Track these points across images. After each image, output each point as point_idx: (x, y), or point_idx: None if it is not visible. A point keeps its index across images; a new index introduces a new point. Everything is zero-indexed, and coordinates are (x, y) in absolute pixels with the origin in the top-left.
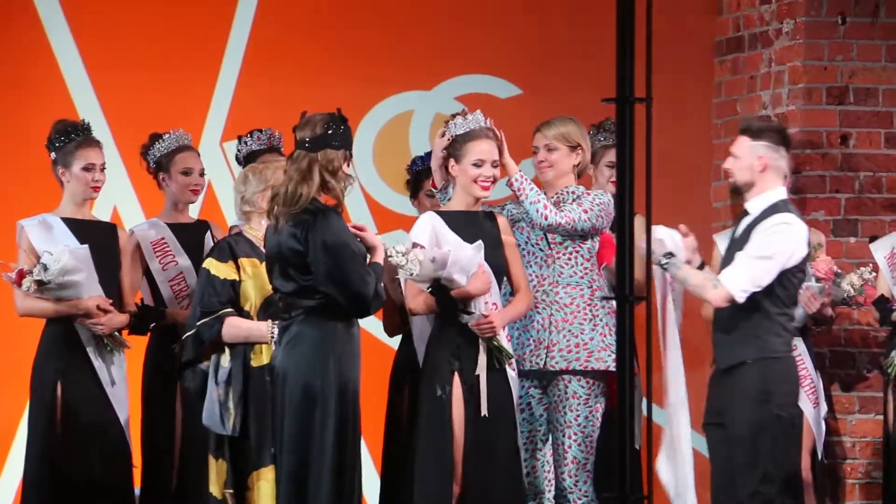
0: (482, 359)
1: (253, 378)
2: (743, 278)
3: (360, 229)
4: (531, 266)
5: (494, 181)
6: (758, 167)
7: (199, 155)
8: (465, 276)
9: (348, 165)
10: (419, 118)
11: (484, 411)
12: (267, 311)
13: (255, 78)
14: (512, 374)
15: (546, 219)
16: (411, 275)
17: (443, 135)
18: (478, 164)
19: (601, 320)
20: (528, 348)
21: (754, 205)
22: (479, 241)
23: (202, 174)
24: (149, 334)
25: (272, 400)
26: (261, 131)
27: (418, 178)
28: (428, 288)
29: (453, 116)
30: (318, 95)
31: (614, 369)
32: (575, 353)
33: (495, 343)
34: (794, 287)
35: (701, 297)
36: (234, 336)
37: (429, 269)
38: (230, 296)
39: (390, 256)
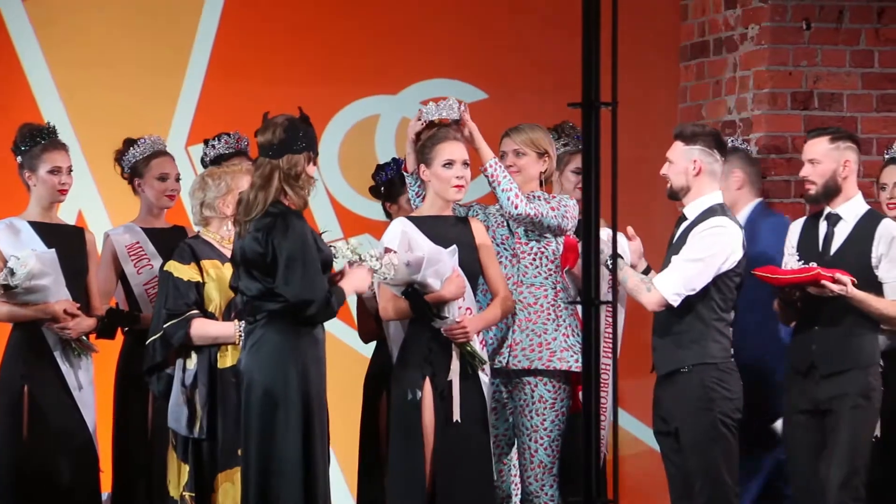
0: (455, 364)
1: (220, 379)
2: (676, 282)
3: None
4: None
5: (466, 182)
6: (692, 171)
7: (174, 160)
8: (439, 280)
9: (314, 165)
10: (385, 122)
11: (456, 417)
12: (230, 312)
13: (222, 80)
14: (485, 379)
15: (516, 207)
16: (385, 279)
17: (418, 118)
18: (448, 165)
19: (564, 321)
20: (491, 346)
21: (691, 209)
22: (454, 246)
23: (178, 179)
24: (122, 339)
25: (237, 402)
26: (228, 135)
27: (392, 184)
28: (401, 292)
29: (426, 102)
30: (285, 98)
31: (576, 370)
32: (538, 352)
33: (468, 349)
34: (731, 291)
35: (637, 300)
36: (203, 338)
37: (403, 274)
38: (195, 298)
39: (364, 261)
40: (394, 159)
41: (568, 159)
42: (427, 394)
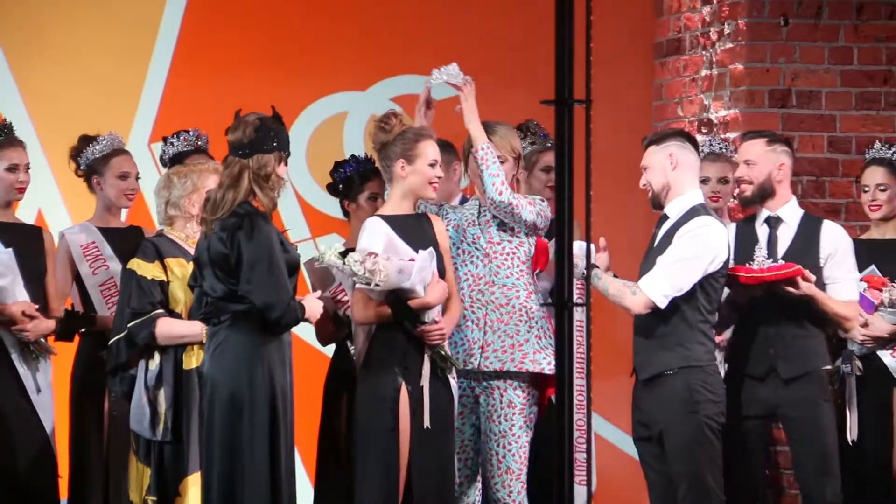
0: (426, 369)
1: (185, 381)
2: (663, 283)
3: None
4: (467, 265)
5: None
6: (670, 166)
7: (133, 158)
8: (423, 285)
9: (284, 166)
10: (353, 119)
11: (426, 423)
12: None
13: (186, 75)
14: (453, 382)
15: (500, 194)
16: (368, 285)
17: (427, 87)
18: (432, 165)
19: (536, 323)
20: (462, 347)
21: (672, 208)
22: (431, 249)
23: (138, 178)
24: (77, 341)
25: (200, 406)
26: (187, 132)
27: (351, 182)
28: (385, 299)
29: (432, 72)
30: (251, 94)
31: (549, 373)
32: (510, 353)
33: (442, 352)
34: (716, 293)
35: (620, 306)
36: (169, 337)
37: (394, 280)
38: (160, 296)
39: (347, 265)
40: (353, 156)
41: (536, 158)
42: (403, 398)
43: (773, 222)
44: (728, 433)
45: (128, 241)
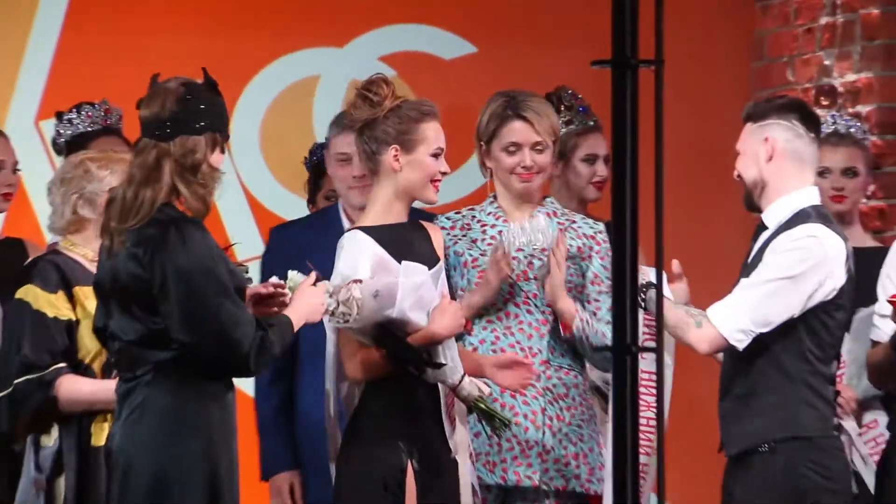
0: (462, 434)
1: (94, 463)
2: (740, 313)
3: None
4: (513, 334)
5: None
6: (764, 156)
7: (9, 141)
8: (424, 311)
9: (221, 153)
10: (327, 85)
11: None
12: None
13: (87, 30)
14: (468, 467)
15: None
16: (346, 323)
17: (501, 250)
18: (437, 155)
19: (595, 420)
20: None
21: (771, 213)
22: (440, 261)
23: (15, 170)
24: None
25: (107, 494)
26: (92, 105)
27: (317, 173)
28: (371, 338)
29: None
30: (179, 54)
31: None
32: (573, 467)
33: (483, 405)
34: (831, 334)
35: (681, 342)
36: (73, 402)
37: (371, 310)
38: (64, 344)
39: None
40: (318, 145)
41: (575, 143)
42: (410, 484)
43: None
44: None
45: (4, 261)
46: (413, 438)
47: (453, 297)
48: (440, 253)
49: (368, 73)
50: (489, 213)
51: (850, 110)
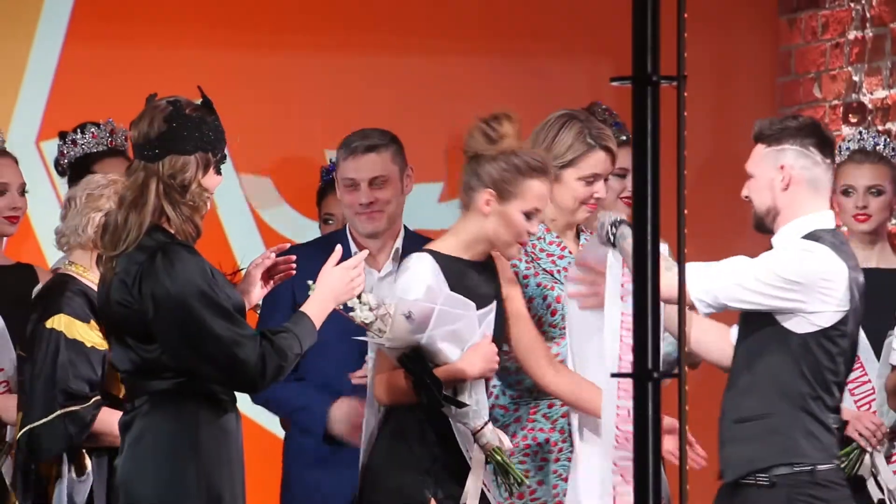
0: (472, 483)
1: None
2: (709, 282)
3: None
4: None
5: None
6: (780, 184)
7: (17, 163)
8: (458, 346)
9: (215, 174)
10: (332, 102)
11: None
12: None
13: (89, 47)
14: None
15: None
16: (380, 339)
17: None
18: (531, 215)
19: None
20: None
21: (781, 237)
22: (492, 304)
23: (23, 192)
24: None
25: None
26: (97, 125)
27: (324, 193)
28: (397, 358)
29: None
30: (185, 70)
31: None
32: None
33: (500, 458)
34: (833, 360)
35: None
36: (106, 434)
37: (402, 330)
38: (100, 374)
39: (351, 310)
40: (325, 168)
41: None
42: None
43: None
44: None
45: (14, 286)
46: (435, 473)
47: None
48: (505, 291)
49: (375, 92)
50: (550, 242)
51: (880, 128)
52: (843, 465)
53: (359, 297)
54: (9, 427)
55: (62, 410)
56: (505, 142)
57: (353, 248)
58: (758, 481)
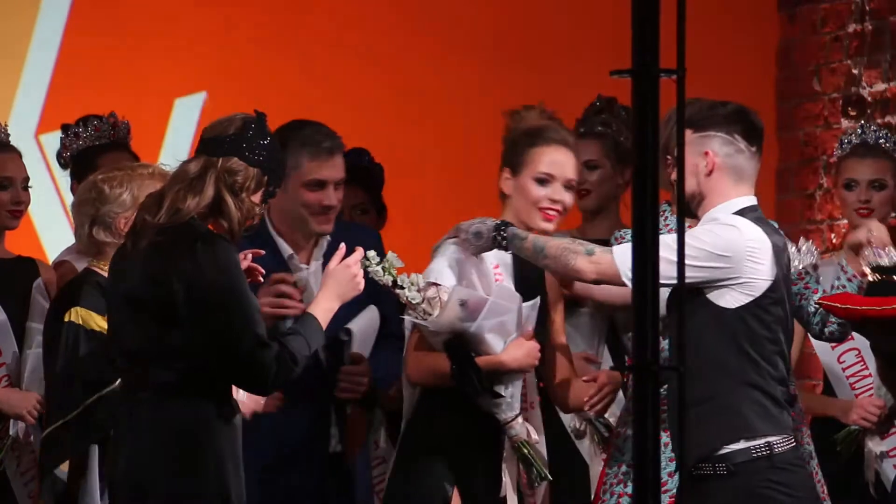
0: (507, 476)
1: None
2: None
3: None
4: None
5: (563, 209)
6: (703, 170)
7: (20, 157)
8: (502, 338)
9: (263, 201)
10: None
11: None
12: None
13: (88, 40)
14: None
15: None
16: (424, 321)
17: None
18: (545, 181)
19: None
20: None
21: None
22: (537, 298)
23: (26, 187)
24: None
25: None
26: (100, 119)
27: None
28: (443, 343)
29: None
30: (182, 64)
31: None
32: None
33: (527, 451)
34: (768, 328)
35: (562, 271)
36: None
37: (453, 316)
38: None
39: (401, 287)
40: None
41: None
42: None
43: None
44: None
45: (17, 280)
46: (462, 466)
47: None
48: (550, 289)
49: (376, 91)
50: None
51: (880, 121)
52: (839, 449)
53: (408, 275)
54: (11, 421)
55: (88, 401)
56: (527, 120)
57: (283, 245)
58: (716, 470)
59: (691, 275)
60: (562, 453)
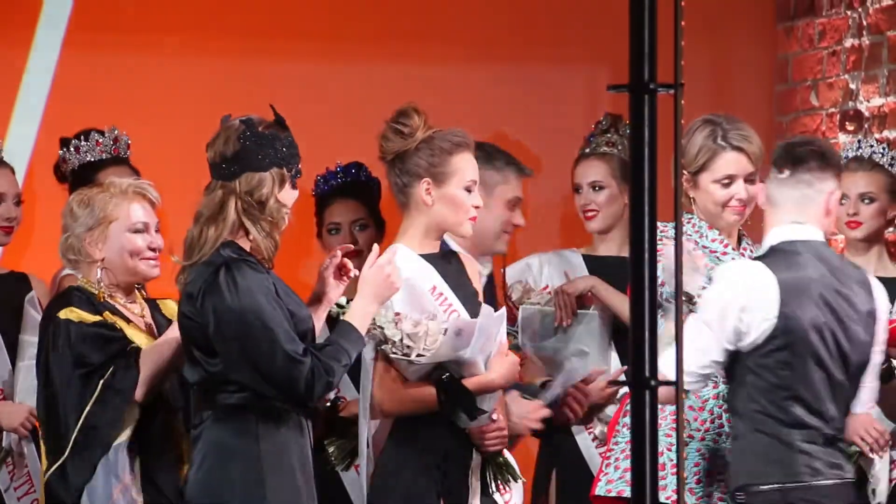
0: (475, 482)
1: None
2: (686, 361)
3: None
4: None
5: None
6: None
7: (13, 173)
8: (484, 356)
9: (291, 188)
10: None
11: None
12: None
13: (87, 51)
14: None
15: None
16: (405, 356)
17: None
18: (470, 189)
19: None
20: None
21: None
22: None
23: (18, 202)
24: None
25: None
26: (101, 133)
27: (322, 204)
28: (432, 378)
29: None
30: (185, 74)
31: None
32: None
33: (501, 459)
34: (776, 376)
35: None
36: (155, 363)
37: (448, 349)
38: (125, 341)
39: (379, 327)
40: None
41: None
42: None
43: None
44: None
45: (9, 296)
46: (445, 474)
47: None
48: (476, 285)
49: (371, 100)
50: (713, 240)
51: (877, 136)
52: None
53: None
54: (4, 434)
55: (98, 392)
56: (419, 132)
57: None
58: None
59: (714, 350)
60: (564, 450)
